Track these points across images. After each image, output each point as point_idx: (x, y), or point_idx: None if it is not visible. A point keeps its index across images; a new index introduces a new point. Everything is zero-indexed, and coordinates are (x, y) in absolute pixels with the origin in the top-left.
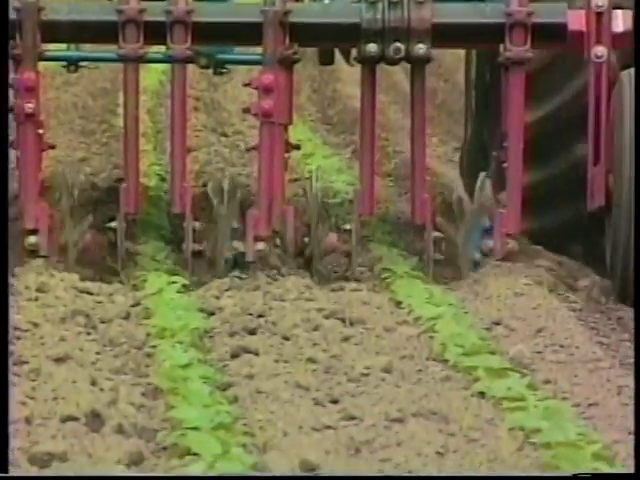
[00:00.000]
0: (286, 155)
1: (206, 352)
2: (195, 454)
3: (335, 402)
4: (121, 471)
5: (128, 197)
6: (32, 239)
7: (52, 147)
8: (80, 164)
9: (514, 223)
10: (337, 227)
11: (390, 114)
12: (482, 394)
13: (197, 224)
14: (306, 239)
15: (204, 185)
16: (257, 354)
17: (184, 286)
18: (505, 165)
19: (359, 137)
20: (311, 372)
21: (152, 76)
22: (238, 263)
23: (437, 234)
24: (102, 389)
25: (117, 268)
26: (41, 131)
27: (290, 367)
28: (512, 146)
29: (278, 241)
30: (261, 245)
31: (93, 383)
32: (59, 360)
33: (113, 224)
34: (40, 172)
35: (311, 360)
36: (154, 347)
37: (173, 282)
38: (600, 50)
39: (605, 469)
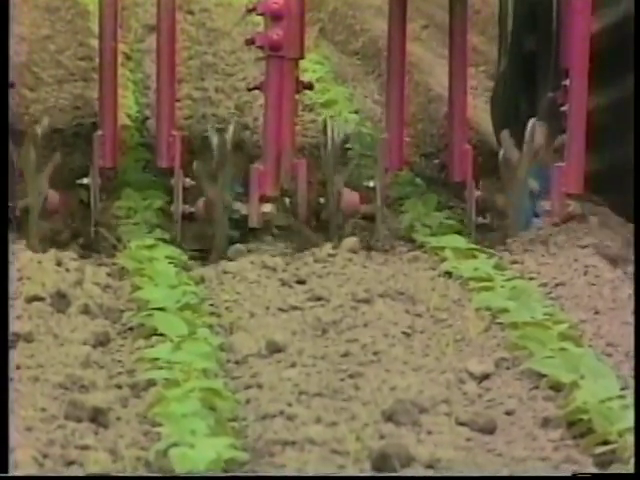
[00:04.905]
0: (297, 96)
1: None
2: (161, 335)
3: (302, 283)
4: (87, 352)
5: (104, 148)
6: None
7: (11, 86)
8: (45, 42)
9: (576, 180)
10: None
11: None
12: (449, 274)
13: (188, 181)
14: (321, 199)
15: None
16: None
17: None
18: (564, 109)
19: (386, 77)
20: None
21: None
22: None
23: (480, 193)
24: (68, 269)
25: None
26: None
27: None
28: (575, 85)
29: (287, 202)
30: (267, 207)
31: (59, 264)
32: None
33: (85, 180)
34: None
35: None
36: (120, 227)
37: (138, 160)
38: None
39: (572, 349)
